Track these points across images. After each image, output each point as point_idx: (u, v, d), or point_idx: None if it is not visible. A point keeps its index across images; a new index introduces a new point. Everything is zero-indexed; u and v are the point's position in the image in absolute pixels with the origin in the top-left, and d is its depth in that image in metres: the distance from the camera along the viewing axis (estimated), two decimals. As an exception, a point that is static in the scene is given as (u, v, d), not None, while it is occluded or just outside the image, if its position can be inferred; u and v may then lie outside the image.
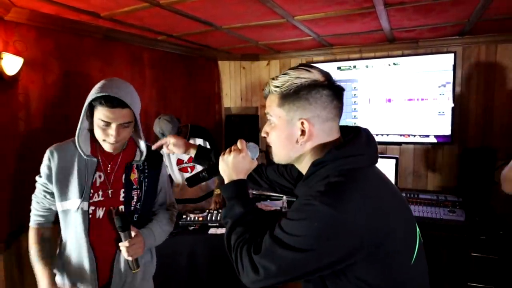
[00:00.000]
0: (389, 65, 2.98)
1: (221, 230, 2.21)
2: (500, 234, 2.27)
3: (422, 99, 2.89)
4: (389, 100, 3.00)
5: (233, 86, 3.66)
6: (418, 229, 0.87)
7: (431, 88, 2.85)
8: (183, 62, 3.18)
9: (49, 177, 1.26)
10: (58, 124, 2.22)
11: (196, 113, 3.37)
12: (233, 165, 0.94)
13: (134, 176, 1.32)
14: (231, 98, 3.67)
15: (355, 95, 3.09)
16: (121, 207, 1.30)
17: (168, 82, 3.00)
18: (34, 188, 2.08)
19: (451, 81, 2.78)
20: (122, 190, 1.30)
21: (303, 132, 0.82)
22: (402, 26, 2.44)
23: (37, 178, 1.31)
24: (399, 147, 3.06)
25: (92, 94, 1.20)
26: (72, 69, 2.29)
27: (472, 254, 2.32)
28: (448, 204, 2.57)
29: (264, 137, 0.91)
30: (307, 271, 0.75)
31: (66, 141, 1.32)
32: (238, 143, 0.98)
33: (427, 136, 2.90)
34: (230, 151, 0.97)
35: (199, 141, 2.48)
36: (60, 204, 1.26)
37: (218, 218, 2.28)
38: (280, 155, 0.89)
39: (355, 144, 0.83)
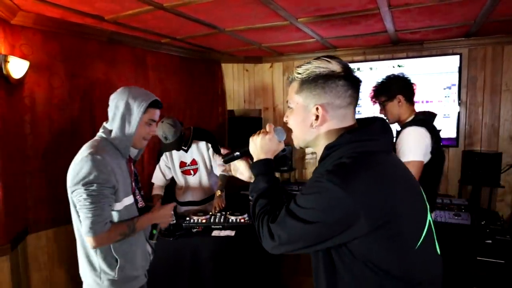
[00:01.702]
0: (393, 67, 2.96)
1: (224, 232, 2.20)
2: (506, 238, 2.24)
3: (427, 102, 2.86)
4: (394, 102, 2.98)
5: (236, 88, 3.66)
6: (430, 219, 0.90)
7: (436, 90, 2.83)
8: (187, 65, 3.19)
9: (111, 180, 1.30)
10: (63, 126, 2.25)
11: (200, 116, 3.38)
12: (260, 145, 1.04)
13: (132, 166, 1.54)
14: (234, 100, 3.67)
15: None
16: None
17: (171, 85, 3.02)
18: (39, 189, 2.12)
19: (457, 83, 2.76)
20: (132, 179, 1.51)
21: (317, 117, 0.89)
22: (407, 28, 2.42)
23: (98, 186, 1.26)
24: (403, 150, 3.03)
25: (144, 99, 1.39)
26: (77, 72, 2.31)
27: (477, 258, 2.29)
28: (453, 208, 2.54)
29: (286, 123, 0.99)
30: (314, 241, 0.83)
31: (100, 146, 1.34)
32: (267, 126, 1.06)
33: (432, 138, 2.87)
34: (259, 133, 1.06)
35: (202, 144, 2.48)
36: (124, 200, 1.37)
37: (222, 220, 2.28)
38: (298, 139, 0.97)
39: (369, 130, 0.88)
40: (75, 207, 1.32)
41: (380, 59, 3.05)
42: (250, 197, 1.03)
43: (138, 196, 1.50)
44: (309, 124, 0.90)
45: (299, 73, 0.90)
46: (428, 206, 0.91)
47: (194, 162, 2.48)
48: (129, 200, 1.41)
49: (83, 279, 1.44)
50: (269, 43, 2.91)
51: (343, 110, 0.88)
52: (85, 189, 1.25)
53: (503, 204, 2.75)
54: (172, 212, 1.56)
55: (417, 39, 2.78)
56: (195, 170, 2.50)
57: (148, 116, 1.42)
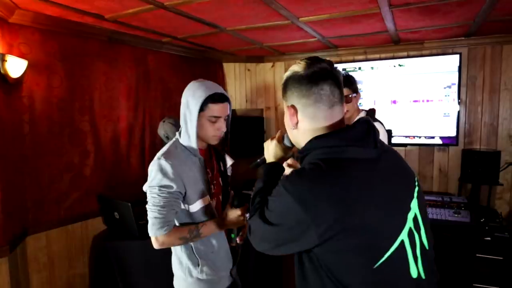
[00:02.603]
0: (394, 66, 2.96)
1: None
2: (505, 236, 2.26)
3: (428, 101, 2.87)
4: (394, 102, 2.99)
5: (238, 88, 3.65)
6: (405, 237, 0.82)
7: (437, 89, 2.84)
8: (188, 64, 3.16)
9: (179, 183, 1.30)
10: (63, 126, 2.22)
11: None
12: (268, 151, 1.13)
13: (222, 164, 1.53)
14: (236, 100, 3.65)
15: (360, 96, 3.07)
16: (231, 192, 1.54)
17: (172, 85, 2.99)
18: (38, 190, 2.10)
19: (457, 82, 2.77)
20: (220, 178, 1.50)
21: (292, 118, 0.94)
22: (407, 27, 2.43)
23: (158, 187, 1.28)
24: (404, 149, 3.04)
25: (201, 95, 1.31)
26: (77, 71, 2.28)
27: (477, 255, 2.31)
28: (453, 206, 2.56)
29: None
30: (275, 243, 0.87)
31: (170, 149, 1.35)
32: (278, 132, 1.14)
33: (432, 137, 2.89)
34: (272, 139, 1.14)
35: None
36: (193, 206, 1.36)
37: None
38: (292, 140, 1.03)
39: (342, 135, 0.85)
40: None
41: (381, 58, 3.06)
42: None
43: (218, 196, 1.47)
44: (290, 124, 0.95)
45: (282, 79, 0.97)
46: (408, 220, 0.83)
47: None
48: (203, 202, 1.37)
49: (173, 271, 1.48)
50: (271, 42, 2.90)
51: (311, 108, 0.89)
52: (150, 192, 1.29)
53: (502, 201, 2.78)
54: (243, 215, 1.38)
55: (418, 38, 2.79)
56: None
57: (209, 113, 1.32)
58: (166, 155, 1.31)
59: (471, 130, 2.85)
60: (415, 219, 0.85)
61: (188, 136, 1.35)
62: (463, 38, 2.74)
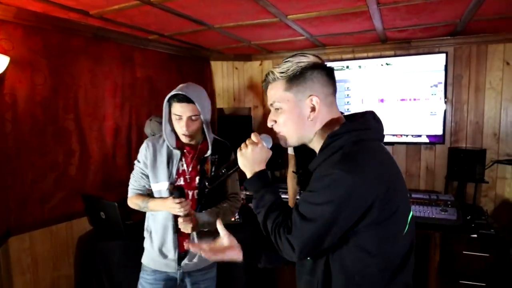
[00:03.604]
0: (381, 65, 2.99)
1: (214, 232, 2.18)
2: (491, 233, 2.29)
3: (415, 99, 2.90)
4: (382, 100, 3.01)
5: (225, 86, 3.63)
6: (410, 206, 0.98)
7: (423, 88, 2.87)
8: (175, 62, 3.13)
9: (145, 163, 1.60)
10: (47, 125, 2.17)
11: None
12: (252, 158, 1.00)
13: (208, 167, 1.61)
14: (224, 98, 3.63)
15: (348, 95, 3.10)
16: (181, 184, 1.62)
17: (159, 83, 2.96)
18: (21, 190, 2.05)
19: (443, 81, 2.80)
20: (197, 177, 1.59)
21: (312, 109, 0.91)
22: (395, 26, 2.45)
23: (135, 162, 1.64)
24: (391, 147, 3.07)
25: (170, 93, 1.49)
26: (61, 68, 2.23)
27: (463, 252, 2.34)
28: (440, 203, 2.58)
29: (271, 127, 0.98)
30: (332, 237, 0.84)
31: (157, 136, 1.65)
32: (253, 136, 1.03)
33: (419, 136, 2.92)
34: (246, 145, 1.01)
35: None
36: (154, 185, 1.60)
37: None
38: (293, 137, 0.96)
39: (365, 120, 0.94)
40: None
41: (368, 57, 3.08)
42: (256, 213, 0.98)
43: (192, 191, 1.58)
44: (305, 117, 0.92)
45: (283, 72, 0.92)
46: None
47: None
48: (162, 186, 1.57)
49: None
50: (259, 40, 2.89)
51: (330, 97, 0.94)
52: None
53: (487, 199, 2.82)
54: (180, 206, 1.45)
55: (405, 37, 2.82)
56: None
57: (173, 111, 1.50)
58: (151, 138, 1.64)
59: (457, 128, 2.89)
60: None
61: (165, 132, 1.57)
62: (449, 37, 2.78)
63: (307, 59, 0.92)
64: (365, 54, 3.11)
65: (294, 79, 0.91)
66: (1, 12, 1.88)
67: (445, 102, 2.83)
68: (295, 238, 0.84)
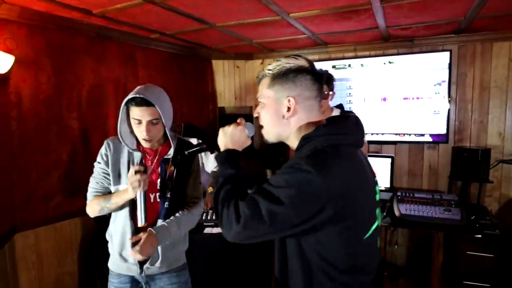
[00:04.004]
0: (384, 63, 2.97)
1: (217, 230, 2.19)
2: (495, 233, 2.27)
3: (418, 98, 2.88)
4: (384, 99, 3.00)
5: (227, 85, 3.63)
6: (379, 213, 1.02)
7: (427, 86, 2.85)
8: (177, 61, 3.15)
9: (106, 163, 1.49)
10: (51, 123, 2.19)
11: (190, 113, 3.35)
12: (230, 135, 1.06)
13: (171, 168, 1.52)
14: (225, 97, 3.64)
15: (350, 94, 3.08)
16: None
17: (161, 82, 2.97)
18: (26, 188, 2.07)
19: (447, 79, 2.78)
20: (159, 179, 1.51)
21: (288, 109, 0.95)
22: (398, 24, 2.43)
23: (95, 163, 1.53)
24: (394, 146, 3.05)
25: (128, 96, 1.38)
26: (64, 67, 2.25)
27: (467, 252, 2.32)
28: (443, 203, 2.56)
29: (257, 118, 1.03)
30: (283, 226, 0.85)
31: (115, 137, 1.54)
32: (238, 119, 1.10)
33: (423, 135, 2.90)
34: (231, 125, 1.09)
35: (193, 141, 2.45)
36: (114, 187, 1.50)
37: (214, 217, 2.26)
38: (270, 132, 1.02)
39: (342, 124, 0.97)
40: None
41: (371, 55, 3.06)
42: (214, 183, 1.07)
43: (154, 193, 1.50)
44: (281, 115, 0.96)
45: (270, 70, 0.98)
46: (378, 203, 1.02)
47: None
48: (122, 188, 1.47)
49: None
50: (260, 39, 2.89)
51: (311, 101, 0.97)
52: None
53: (492, 199, 2.79)
54: (137, 172, 1.35)
55: (408, 35, 2.80)
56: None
57: (132, 115, 1.40)
58: (112, 138, 1.54)
59: (461, 127, 2.86)
60: (378, 201, 1.02)
61: (120, 134, 1.46)
62: (453, 35, 2.75)
63: (296, 61, 0.96)
64: (367, 53, 3.09)
65: (278, 78, 0.96)
66: (6, 11, 1.90)
67: (449, 101, 2.80)
68: (245, 208, 0.86)
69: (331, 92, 2.13)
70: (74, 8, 1.97)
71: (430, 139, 2.88)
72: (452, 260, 2.39)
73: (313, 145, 0.91)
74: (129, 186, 1.34)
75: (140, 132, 1.40)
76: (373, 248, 0.99)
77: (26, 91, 2.06)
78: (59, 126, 2.24)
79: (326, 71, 2.19)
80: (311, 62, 0.98)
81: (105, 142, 1.52)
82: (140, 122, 1.38)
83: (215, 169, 2.46)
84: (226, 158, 1.02)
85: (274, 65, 0.98)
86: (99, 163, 1.51)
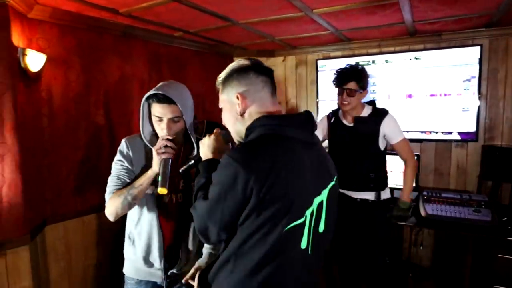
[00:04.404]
0: (410, 59, 2.89)
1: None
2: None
3: (445, 95, 2.79)
4: (410, 96, 2.91)
5: (249, 82, 3.63)
6: (309, 215, 0.96)
7: (455, 83, 2.75)
8: (199, 59, 3.18)
9: (130, 163, 1.43)
10: (79, 120, 2.27)
11: (212, 110, 3.37)
12: (207, 146, 1.16)
13: (193, 169, 1.46)
14: (247, 94, 3.64)
15: (373, 91, 3.02)
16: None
17: (184, 79, 3.01)
18: (56, 182, 2.15)
19: (477, 75, 2.67)
20: (182, 180, 1.48)
21: (239, 105, 1.02)
22: (426, 18, 2.36)
23: (115, 163, 1.45)
24: (419, 144, 2.96)
25: (148, 93, 1.36)
26: (92, 65, 2.32)
27: (499, 255, 2.22)
28: (472, 204, 2.46)
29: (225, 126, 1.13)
30: (219, 216, 0.93)
31: (134, 135, 1.50)
32: (214, 130, 1.21)
33: (450, 133, 2.80)
34: (207, 136, 1.19)
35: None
36: None
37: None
38: (233, 132, 1.09)
39: (284, 117, 1.02)
40: None
41: (396, 51, 2.98)
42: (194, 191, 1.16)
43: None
44: (235, 113, 1.03)
45: (220, 77, 1.07)
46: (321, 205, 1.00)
47: None
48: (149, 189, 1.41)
49: None
50: (283, 36, 2.87)
51: (259, 93, 1.03)
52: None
53: (525, 200, 2.66)
54: (164, 142, 1.33)
55: (436, 30, 2.70)
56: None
57: (153, 112, 1.37)
58: (128, 137, 1.49)
59: (491, 125, 2.75)
60: (320, 204, 1.00)
61: (143, 134, 1.44)
62: (484, 29, 2.64)
63: (239, 62, 1.06)
64: (392, 48, 3.01)
65: (225, 81, 1.06)
66: (38, 12, 1.98)
67: (479, 98, 2.69)
68: (195, 211, 1.01)
69: (361, 91, 2.17)
70: (102, 8, 2.02)
71: (458, 137, 2.78)
72: (482, 263, 2.30)
73: (254, 135, 0.97)
74: (155, 157, 1.31)
75: (161, 130, 1.37)
76: (292, 247, 0.94)
77: (57, 89, 2.14)
78: (87, 122, 2.32)
79: (360, 66, 2.28)
80: (252, 60, 1.06)
81: (123, 142, 1.46)
82: (161, 119, 1.36)
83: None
84: (204, 167, 1.12)
85: (223, 73, 1.07)
86: (122, 162, 1.43)
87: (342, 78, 2.18)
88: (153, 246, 1.43)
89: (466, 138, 2.76)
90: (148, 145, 1.44)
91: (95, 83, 2.35)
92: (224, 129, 1.16)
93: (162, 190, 1.27)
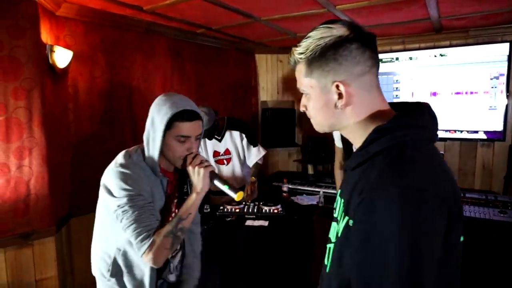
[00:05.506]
0: (435, 56, 2.81)
1: (258, 222, 2.20)
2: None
3: (471, 93, 2.70)
4: (434, 94, 2.84)
5: (269, 79, 3.63)
6: None
7: (482, 80, 2.66)
8: (221, 55, 3.19)
9: (147, 193, 1.21)
10: (103, 115, 2.32)
11: (233, 106, 3.39)
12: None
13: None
14: (268, 91, 3.64)
15: (397, 88, 2.95)
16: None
17: (206, 75, 3.04)
18: (81, 176, 2.21)
19: (505, 73, 2.58)
20: (176, 210, 1.33)
21: (340, 96, 0.73)
22: (453, 14, 2.28)
23: (130, 196, 1.15)
24: (444, 143, 2.89)
25: (166, 112, 1.15)
26: (116, 62, 2.37)
27: (526, 259, 2.15)
28: (498, 205, 2.39)
29: (303, 112, 0.85)
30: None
31: (130, 162, 1.22)
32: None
33: (476, 132, 2.72)
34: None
35: (236, 134, 2.48)
36: None
37: (255, 210, 2.28)
38: (322, 125, 0.81)
39: (420, 115, 0.73)
40: None
41: (420, 48, 2.91)
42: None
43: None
44: (333, 106, 0.75)
45: (302, 53, 0.76)
46: None
47: (227, 151, 2.50)
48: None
49: None
50: (304, 32, 2.81)
51: (367, 76, 0.73)
52: (121, 207, 1.15)
53: (554, 203, 2.56)
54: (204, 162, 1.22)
55: (462, 26, 2.62)
56: (228, 160, 2.51)
57: (175, 132, 1.17)
58: (128, 165, 1.19)
59: (520, 124, 2.65)
60: None
61: (150, 157, 1.20)
62: (514, 25, 2.54)
63: (330, 32, 0.72)
64: (416, 45, 2.94)
65: (314, 61, 0.74)
66: (65, 10, 2.03)
67: (507, 96, 2.60)
68: None
69: None
70: (127, 5, 2.06)
71: (484, 136, 2.70)
72: (508, 265, 2.22)
73: (387, 142, 0.69)
74: (194, 175, 1.18)
75: (184, 151, 1.20)
76: None
77: (82, 85, 2.19)
78: (110, 118, 2.36)
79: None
80: (351, 25, 0.73)
81: (132, 171, 1.17)
82: (187, 138, 1.19)
83: (259, 161, 2.48)
84: None
85: (305, 46, 0.76)
86: (141, 195, 1.16)
87: None
88: (145, 279, 1.25)
89: (493, 137, 2.67)
90: (155, 173, 1.22)
91: (119, 79, 2.39)
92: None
93: (240, 195, 1.20)
